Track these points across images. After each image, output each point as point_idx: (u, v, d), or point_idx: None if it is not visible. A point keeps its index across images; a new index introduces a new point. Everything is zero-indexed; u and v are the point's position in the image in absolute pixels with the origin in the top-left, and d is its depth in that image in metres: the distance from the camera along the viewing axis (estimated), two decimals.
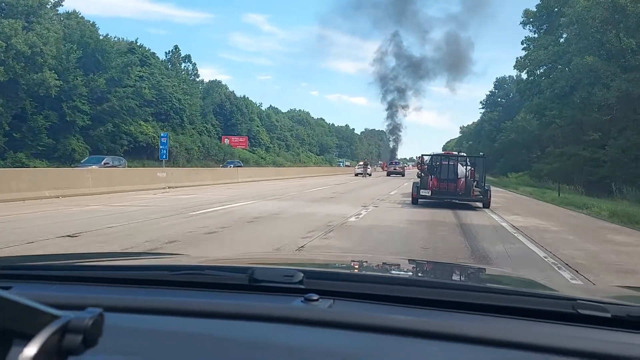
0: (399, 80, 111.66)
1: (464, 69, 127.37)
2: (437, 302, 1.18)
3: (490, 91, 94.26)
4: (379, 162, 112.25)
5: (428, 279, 1.74)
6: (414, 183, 17.82)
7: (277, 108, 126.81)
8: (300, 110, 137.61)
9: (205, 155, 72.80)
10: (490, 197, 16.42)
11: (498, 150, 77.86)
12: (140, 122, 60.33)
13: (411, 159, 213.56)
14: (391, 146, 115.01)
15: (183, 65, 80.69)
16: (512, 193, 28.60)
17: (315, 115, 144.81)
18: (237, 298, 1.20)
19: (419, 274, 2.06)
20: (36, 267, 1.62)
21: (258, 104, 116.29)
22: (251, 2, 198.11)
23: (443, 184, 16.31)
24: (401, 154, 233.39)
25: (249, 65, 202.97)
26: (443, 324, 1.00)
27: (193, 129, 79.20)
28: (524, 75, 47.30)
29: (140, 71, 63.79)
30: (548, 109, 37.54)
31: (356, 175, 45.29)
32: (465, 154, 19.24)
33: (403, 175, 49.98)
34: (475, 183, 16.66)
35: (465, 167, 16.75)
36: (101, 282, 1.39)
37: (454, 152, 21.40)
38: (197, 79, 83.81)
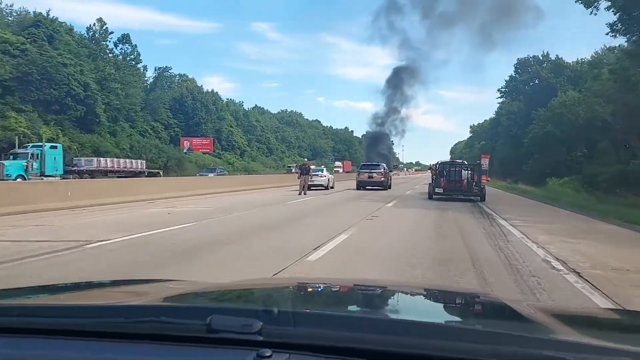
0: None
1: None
2: (404, 357, 1.01)
3: (510, 76, 71.33)
4: (336, 163, 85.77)
5: (399, 329, 1.18)
6: (429, 184, 21.02)
7: (263, 108, 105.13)
8: (291, 111, 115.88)
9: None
10: (485, 193, 19.63)
11: (527, 148, 55.10)
12: (11, 113, 38.60)
13: (417, 163, 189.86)
14: (372, 130, 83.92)
15: (119, 47, 58.99)
16: None
17: (310, 117, 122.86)
18: (190, 354, 1.07)
19: (392, 315, 1.54)
20: None
21: (238, 102, 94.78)
22: (256, 11, 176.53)
23: (451, 184, 19.58)
24: (405, 158, 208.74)
25: (254, 73, 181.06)
26: None
27: (131, 127, 57.64)
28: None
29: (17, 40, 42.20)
30: None
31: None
32: (466, 162, 22.92)
33: (387, 188, 26.45)
34: (474, 183, 19.78)
35: (467, 171, 20.23)
36: (38, 333, 1.15)
37: (458, 160, 25.37)
38: (139, 65, 61.71)
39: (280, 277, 5.33)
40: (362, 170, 26.80)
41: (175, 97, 71.39)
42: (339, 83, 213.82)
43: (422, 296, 1.97)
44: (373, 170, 26.29)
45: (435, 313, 1.66)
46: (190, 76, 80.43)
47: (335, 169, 62.42)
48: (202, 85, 76.96)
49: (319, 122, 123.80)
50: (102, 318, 1.19)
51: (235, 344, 1.05)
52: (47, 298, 1.69)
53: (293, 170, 51.12)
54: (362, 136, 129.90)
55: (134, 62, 60.73)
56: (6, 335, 1.14)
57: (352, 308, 1.71)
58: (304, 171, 21.73)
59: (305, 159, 23.61)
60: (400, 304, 1.79)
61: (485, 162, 51.41)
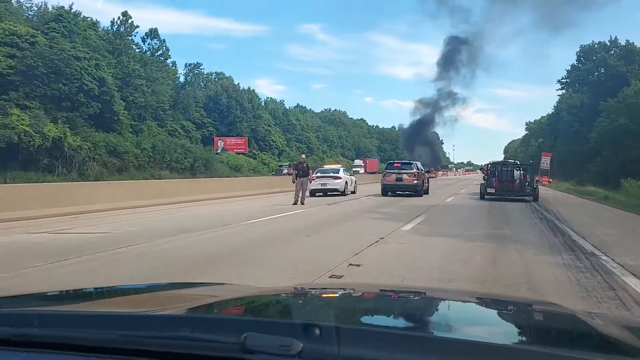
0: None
1: None
2: None
3: (571, 65, 62.67)
4: (355, 161, 77.30)
5: (469, 352, 0.98)
6: (481, 184, 19.92)
7: (304, 107, 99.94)
8: (335, 110, 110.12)
9: (157, 162, 46.55)
10: (538, 193, 18.79)
11: (594, 145, 47.08)
12: (14, 109, 34.75)
13: (469, 163, 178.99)
14: (412, 123, 74.11)
15: (147, 42, 55.04)
16: None
17: (355, 115, 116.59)
18: None
19: (457, 335, 1.23)
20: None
21: (279, 101, 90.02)
22: (305, 12, 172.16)
23: (503, 184, 18.74)
24: (456, 157, 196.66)
25: (303, 74, 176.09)
26: None
27: (160, 126, 53.67)
28: None
29: (24, 31, 38.39)
30: None
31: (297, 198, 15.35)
32: (518, 162, 22.20)
33: (421, 193, 19.76)
34: (527, 183, 18.86)
35: (519, 171, 19.33)
36: (38, 346, 1.01)
37: (510, 160, 24.44)
38: (168, 61, 57.64)
39: (322, 283, 4.44)
40: (389, 171, 20.08)
41: (210, 95, 67.10)
42: (387, 82, 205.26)
43: (488, 309, 1.65)
44: (402, 171, 19.60)
45: (507, 331, 1.38)
46: (227, 74, 76.02)
47: (354, 169, 51.42)
48: (238, 83, 72.32)
49: (364, 121, 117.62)
50: (121, 330, 1.00)
51: None
52: (56, 306, 1.48)
53: (285, 172, 41.08)
54: (398, 128, 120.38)
55: (162, 58, 56.58)
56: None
57: (410, 324, 1.41)
58: (301, 172, 15.63)
59: (303, 156, 17.30)
60: (465, 318, 1.48)
61: (546, 160, 43.65)
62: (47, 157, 36.05)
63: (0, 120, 33.41)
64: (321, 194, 19.79)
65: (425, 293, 1.92)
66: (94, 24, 50.18)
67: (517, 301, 2.19)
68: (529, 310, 1.64)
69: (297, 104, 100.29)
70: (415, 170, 19.67)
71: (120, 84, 47.30)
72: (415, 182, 19.31)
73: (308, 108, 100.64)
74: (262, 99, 79.95)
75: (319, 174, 20.11)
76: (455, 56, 69.27)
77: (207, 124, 64.13)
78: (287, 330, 0.95)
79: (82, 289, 2.62)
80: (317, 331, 0.93)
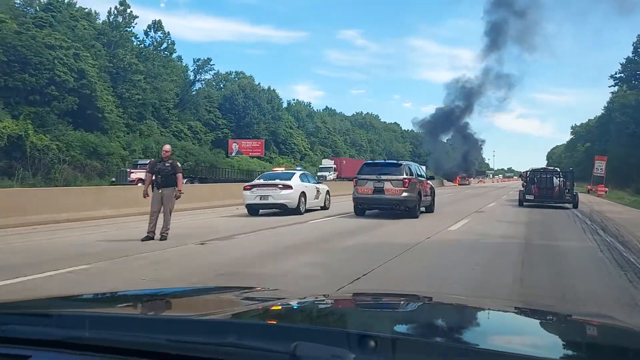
0: None
1: None
2: None
3: (626, 58, 52.92)
4: (324, 162, 58.10)
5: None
6: (520, 191, 19.85)
7: (334, 109, 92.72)
8: (367, 113, 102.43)
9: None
10: (578, 200, 18.05)
11: None
12: None
13: (510, 170, 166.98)
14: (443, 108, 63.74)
15: (149, 35, 49.30)
16: None
17: (389, 119, 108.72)
18: None
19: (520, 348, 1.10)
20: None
21: (306, 103, 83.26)
22: (344, 18, 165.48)
23: (542, 191, 18.32)
24: (496, 164, 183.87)
25: (342, 80, 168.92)
26: None
27: (163, 126, 47.83)
28: None
29: None
30: None
31: None
32: (558, 169, 21.09)
33: (417, 212, 11.79)
34: (567, 190, 18.38)
35: (558, 178, 18.78)
36: (81, 349, 0.96)
37: (550, 167, 23.63)
38: (173, 55, 51.71)
39: (361, 289, 4.26)
40: (363, 177, 12.02)
41: (226, 95, 60.86)
42: (426, 87, 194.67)
43: (544, 322, 1.52)
44: (384, 176, 11.70)
45: (553, 345, 1.25)
46: (247, 74, 69.67)
47: (320, 174, 40.13)
48: (259, 83, 65.81)
49: (398, 124, 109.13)
50: (167, 335, 0.94)
51: None
52: (99, 308, 1.46)
53: (132, 178, 27.25)
54: (412, 121, 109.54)
55: (167, 53, 50.62)
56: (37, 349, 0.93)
57: (468, 336, 1.25)
58: (162, 178, 8.08)
59: (167, 146, 9.33)
60: (525, 331, 1.37)
61: (600, 165, 34.77)
62: (4, 158, 30.21)
63: None
64: (278, 210, 12.60)
65: (475, 303, 1.82)
66: (89, 15, 44.69)
67: (557, 310, 2.05)
68: (580, 323, 1.49)
69: (326, 106, 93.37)
70: (404, 176, 11.62)
71: (112, 79, 41.47)
72: (404, 194, 11.38)
73: (338, 111, 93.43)
74: (285, 100, 73.35)
75: (260, 181, 12.85)
76: (504, 28, 58.83)
77: (222, 126, 57.87)
78: (339, 340, 0.87)
79: (117, 292, 2.50)
80: (372, 343, 0.85)
